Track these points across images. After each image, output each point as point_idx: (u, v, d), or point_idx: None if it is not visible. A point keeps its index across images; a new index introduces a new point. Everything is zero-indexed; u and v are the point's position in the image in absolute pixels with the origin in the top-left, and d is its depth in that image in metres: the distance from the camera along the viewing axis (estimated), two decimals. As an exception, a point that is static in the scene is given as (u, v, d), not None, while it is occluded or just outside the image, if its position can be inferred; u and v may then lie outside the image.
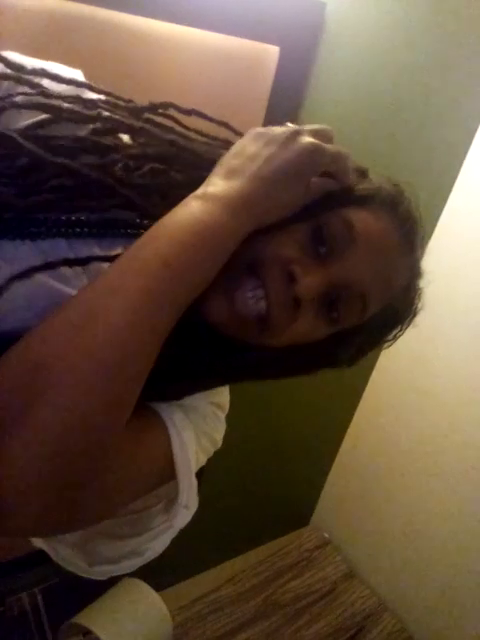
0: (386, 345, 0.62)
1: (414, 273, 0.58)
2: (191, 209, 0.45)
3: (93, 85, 0.53)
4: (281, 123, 0.52)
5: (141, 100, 0.55)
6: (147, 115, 0.55)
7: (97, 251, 0.51)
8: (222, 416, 0.64)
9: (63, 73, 0.52)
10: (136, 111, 0.54)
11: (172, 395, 0.56)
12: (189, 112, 0.55)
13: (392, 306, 0.56)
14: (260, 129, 0.51)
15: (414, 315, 0.60)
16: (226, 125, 0.57)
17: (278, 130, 0.50)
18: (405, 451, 1.77)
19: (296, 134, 0.49)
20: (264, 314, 0.48)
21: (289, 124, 0.51)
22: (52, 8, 0.76)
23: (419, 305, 0.60)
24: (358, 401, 1.90)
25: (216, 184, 0.47)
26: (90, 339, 0.38)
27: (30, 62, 0.51)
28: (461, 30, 1.25)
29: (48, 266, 0.47)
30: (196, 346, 0.53)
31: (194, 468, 0.56)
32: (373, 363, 1.81)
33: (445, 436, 1.64)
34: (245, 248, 0.48)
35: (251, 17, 0.94)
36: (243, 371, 0.58)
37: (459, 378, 1.58)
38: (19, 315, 0.47)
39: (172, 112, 0.56)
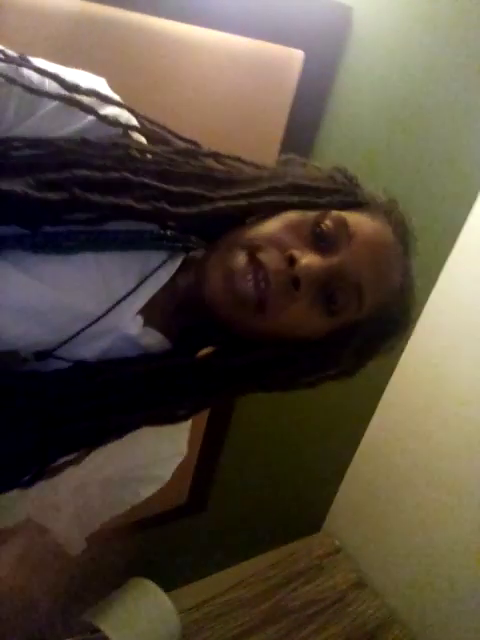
0: (384, 354, 0.62)
1: (408, 278, 0.59)
2: None
3: (134, 110, 0.55)
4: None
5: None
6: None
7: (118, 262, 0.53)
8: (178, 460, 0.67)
9: (111, 94, 0.53)
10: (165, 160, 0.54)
11: (174, 418, 0.56)
12: (210, 155, 0.57)
13: (388, 310, 0.58)
14: None
15: (409, 325, 0.61)
16: (238, 159, 0.59)
17: None
18: (420, 462, 1.75)
19: None
20: (262, 293, 0.49)
21: None
22: (69, 10, 0.76)
23: (413, 316, 0.61)
24: (374, 409, 1.88)
25: None
26: None
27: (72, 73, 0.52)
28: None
29: None
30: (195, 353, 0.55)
31: None
32: (389, 373, 1.79)
33: (461, 449, 1.61)
34: (242, 233, 0.50)
35: (275, 20, 0.93)
36: (242, 379, 0.57)
37: (478, 391, 1.55)
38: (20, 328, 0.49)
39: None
